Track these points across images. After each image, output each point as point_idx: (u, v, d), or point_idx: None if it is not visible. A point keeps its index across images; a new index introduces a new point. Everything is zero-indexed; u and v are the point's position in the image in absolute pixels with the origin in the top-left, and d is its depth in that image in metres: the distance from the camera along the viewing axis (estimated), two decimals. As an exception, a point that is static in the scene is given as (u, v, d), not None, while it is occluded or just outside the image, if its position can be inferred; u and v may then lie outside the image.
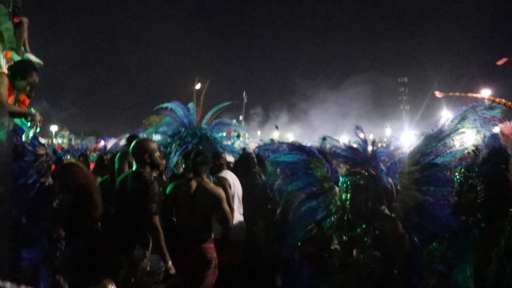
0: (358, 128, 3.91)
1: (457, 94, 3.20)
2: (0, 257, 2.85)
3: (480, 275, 2.11)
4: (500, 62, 3.50)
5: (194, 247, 4.33)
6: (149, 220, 3.84)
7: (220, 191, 4.50)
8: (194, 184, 4.47)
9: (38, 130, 4.20)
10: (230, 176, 5.30)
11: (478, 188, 2.34)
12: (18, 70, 4.20)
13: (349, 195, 3.10)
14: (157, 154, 4.14)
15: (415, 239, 3.18)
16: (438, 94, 3.29)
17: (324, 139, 5.71)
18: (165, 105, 6.92)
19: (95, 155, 9.94)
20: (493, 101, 2.90)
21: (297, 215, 3.82)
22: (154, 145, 4.17)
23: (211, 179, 4.96)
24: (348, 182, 3.11)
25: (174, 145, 6.48)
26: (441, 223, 3.22)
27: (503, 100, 2.99)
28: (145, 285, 2.86)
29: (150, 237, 3.86)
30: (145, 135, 7.57)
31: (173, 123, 6.75)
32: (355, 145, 3.77)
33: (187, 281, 4.29)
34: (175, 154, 6.35)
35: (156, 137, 7.34)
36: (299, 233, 3.75)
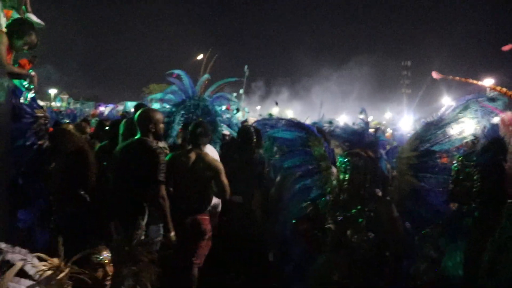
0: (362, 111, 3.89)
1: (456, 78, 3.16)
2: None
3: (470, 263, 2.14)
4: (506, 48, 3.47)
5: (189, 218, 4.38)
6: (157, 189, 3.87)
7: (219, 164, 4.53)
8: (193, 155, 4.49)
9: (34, 93, 4.17)
10: (210, 150, 5.29)
11: (475, 177, 2.35)
12: (15, 29, 4.13)
13: (347, 175, 3.10)
14: (161, 125, 4.16)
15: (408, 224, 3.21)
16: (435, 75, 3.26)
17: (330, 122, 5.70)
18: (174, 71, 6.89)
19: (93, 120, 9.89)
20: (493, 89, 2.88)
21: (291, 192, 3.84)
22: (159, 116, 4.18)
23: None
24: (348, 163, 3.10)
25: (177, 114, 6.47)
26: (435, 210, 3.25)
27: (504, 89, 2.97)
28: (138, 254, 2.91)
29: (147, 207, 3.88)
30: (149, 103, 7.55)
31: (178, 92, 6.71)
32: (356, 127, 3.76)
33: (181, 251, 4.36)
34: (177, 123, 6.35)
35: (158, 105, 7.36)
36: (293, 210, 3.78)
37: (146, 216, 3.30)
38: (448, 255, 2.27)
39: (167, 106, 6.93)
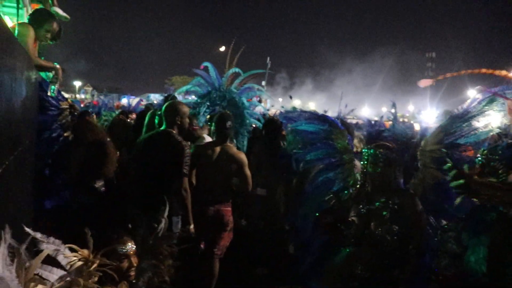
0: (394, 105, 3.85)
1: (448, 75, 3.05)
2: (24, 208, 2.94)
3: (493, 258, 2.11)
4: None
5: (212, 209, 4.43)
6: (181, 182, 3.91)
7: (243, 156, 4.57)
8: (218, 147, 4.52)
9: (54, 88, 4.24)
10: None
11: (500, 171, 2.30)
12: (35, 18, 4.23)
13: (379, 168, 3.06)
14: (187, 119, 4.19)
15: (431, 217, 3.17)
16: (423, 83, 3.17)
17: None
18: (202, 64, 6.93)
19: (117, 112, 10.03)
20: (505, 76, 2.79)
21: (313, 185, 3.84)
22: (186, 109, 4.21)
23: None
24: (379, 155, 3.06)
25: (202, 106, 6.51)
26: (458, 204, 3.21)
27: None
28: (160, 247, 2.95)
29: (171, 199, 3.91)
30: (176, 94, 7.62)
31: (204, 84, 6.78)
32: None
33: (203, 241, 4.42)
34: (203, 114, 6.39)
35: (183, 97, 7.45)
36: (315, 203, 3.78)
37: (167, 208, 3.34)
38: (471, 250, 2.23)
39: (193, 98, 7.01)
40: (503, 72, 2.66)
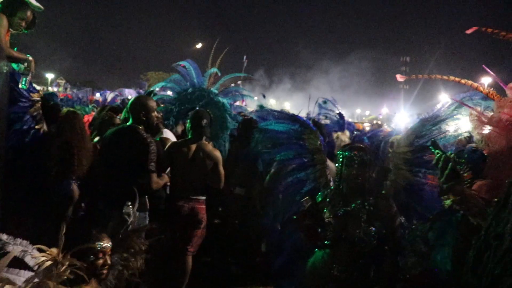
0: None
1: (420, 76, 3.13)
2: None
3: (457, 257, 2.18)
4: (469, 31, 3.47)
5: (187, 206, 4.42)
6: (149, 178, 3.86)
7: (218, 153, 4.57)
8: (193, 145, 4.51)
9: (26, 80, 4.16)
10: (170, 136, 5.30)
11: (465, 175, 2.37)
12: (8, 6, 4.11)
13: (353, 170, 3.07)
14: (154, 113, 4.09)
15: (402, 217, 3.24)
16: (399, 78, 3.26)
17: (325, 102, 5.67)
18: (180, 62, 6.80)
19: (90, 106, 9.85)
20: (476, 88, 2.88)
21: (283, 185, 3.85)
22: (152, 104, 4.11)
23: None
24: (354, 157, 3.08)
25: (178, 103, 6.43)
26: (428, 205, 3.30)
27: (490, 90, 2.95)
28: (130, 240, 2.93)
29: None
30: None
31: (182, 81, 6.66)
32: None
33: (177, 238, 4.40)
34: (178, 112, 6.31)
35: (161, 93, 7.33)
36: (284, 202, 3.80)
37: (137, 202, 3.32)
38: (437, 250, 2.31)
39: (169, 93, 6.87)
40: (469, 82, 2.74)
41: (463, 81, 2.73)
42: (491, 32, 2.65)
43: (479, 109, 2.69)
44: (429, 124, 3.43)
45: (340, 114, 4.90)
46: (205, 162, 4.46)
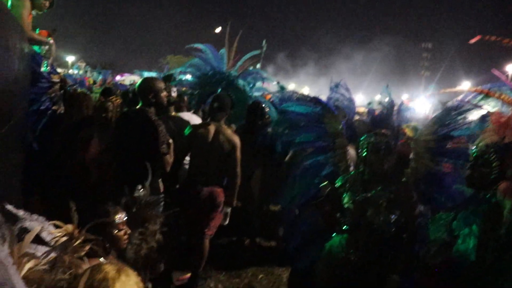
0: (385, 90, 3.81)
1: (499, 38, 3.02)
2: (13, 180, 2.92)
3: (482, 249, 2.13)
4: (473, 41, 3.36)
5: (206, 190, 4.43)
6: (162, 161, 3.85)
7: (237, 138, 4.54)
8: (212, 128, 4.50)
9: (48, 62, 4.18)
10: (188, 117, 5.26)
11: (493, 164, 2.31)
12: None
13: (379, 156, 3.05)
14: (163, 94, 4.00)
15: (422, 206, 3.20)
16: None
17: (336, 86, 5.59)
18: (195, 45, 6.72)
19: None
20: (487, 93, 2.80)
21: (302, 168, 3.82)
22: (160, 85, 4.00)
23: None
24: (380, 143, 3.05)
25: (199, 87, 6.43)
26: (449, 194, 3.25)
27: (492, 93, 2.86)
28: (144, 214, 2.97)
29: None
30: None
31: (202, 65, 6.63)
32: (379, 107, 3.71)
33: (195, 221, 4.42)
34: (198, 96, 6.31)
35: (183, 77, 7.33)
36: (302, 186, 3.77)
37: (150, 178, 3.32)
38: (462, 240, 2.26)
39: (187, 77, 6.88)
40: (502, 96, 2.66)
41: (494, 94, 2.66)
42: (495, 39, 2.58)
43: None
44: (454, 113, 3.36)
45: (350, 99, 4.82)
46: (223, 146, 4.45)
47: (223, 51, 6.76)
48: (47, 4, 4.25)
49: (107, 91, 5.47)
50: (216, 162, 4.47)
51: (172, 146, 3.98)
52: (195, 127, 4.65)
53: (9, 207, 1.93)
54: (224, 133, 4.49)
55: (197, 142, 4.46)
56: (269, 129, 5.51)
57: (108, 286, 1.66)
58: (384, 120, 3.69)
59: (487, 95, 3.06)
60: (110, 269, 1.72)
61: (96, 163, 3.85)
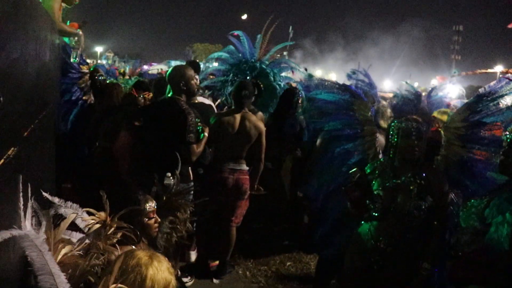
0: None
1: None
2: (48, 169, 3.00)
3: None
4: (511, 25, 3.21)
5: (232, 178, 4.46)
6: (188, 150, 3.88)
7: (262, 125, 4.56)
8: (238, 115, 4.52)
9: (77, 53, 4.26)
10: (208, 102, 5.33)
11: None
12: None
13: (410, 141, 3.01)
14: (193, 81, 4.04)
15: (453, 194, 3.15)
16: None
17: (353, 73, 5.54)
18: (234, 32, 6.83)
19: (133, 79, 10.02)
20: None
21: (329, 155, 3.80)
22: (191, 72, 4.04)
23: None
24: (412, 129, 3.01)
25: (232, 74, 6.48)
26: (481, 182, 3.18)
27: None
28: (174, 202, 3.02)
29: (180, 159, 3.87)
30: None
31: (235, 52, 6.71)
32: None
33: (222, 208, 4.47)
34: (231, 83, 6.37)
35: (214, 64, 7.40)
36: (329, 173, 3.75)
37: (179, 167, 3.37)
38: (495, 228, 2.21)
39: (215, 64, 6.94)
40: None
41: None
42: None
43: None
44: (486, 100, 3.27)
45: (370, 84, 4.73)
46: (250, 132, 4.46)
47: (258, 38, 6.78)
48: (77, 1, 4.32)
49: (141, 84, 5.48)
50: (243, 149, 4.50)
51: (205, 138, 4.04)
52: (220, 114, 4.67)
53: (45, 194, 2.00)
54: (250, 120, 4.50)
55: (224, 130, 4.48)
56: (300, 117, 5.48)
57: (142, 271, 1.70)
58: (407, 108, 3.62)
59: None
60: (142, 255, 1.76)
61: (125, 154, 3.89)
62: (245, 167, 4.55)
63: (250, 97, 4.65)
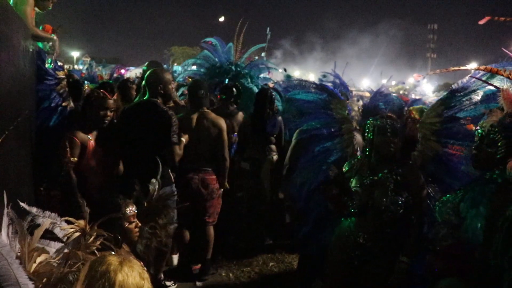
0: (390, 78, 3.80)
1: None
2: (24, 177, 2.96)
3: (491, 230, 2.13)
4: (482, 21, 3.31)
5: (197, 178, 4.46)
6: (172, 151, 3.88)
7: (222, 121, 4.55)
8: (195, 115, 4.51)
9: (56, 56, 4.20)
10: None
11: (499, 144, 2.29)
12: None
13: (386, 138, 3.05)
14: (170, 86, 4.06)
15: (430, 189, 3.21)
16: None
17: (324, 76, 5.67)
18: (207, 39, 7.07)
19: (110, 82, 9.92)
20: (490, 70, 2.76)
21: (309, 154, 3.83)
22: (169, 77, 4.08)
23: None
24: (387, 126, 3.05)
25: (208, 77, 6.61)
26: (457, 176, 3.25)
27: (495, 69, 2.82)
28: (155, 208, 3.00)
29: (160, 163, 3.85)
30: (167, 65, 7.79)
31: (211, 56, 6.88)
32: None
33: (192, 210, 4.39)
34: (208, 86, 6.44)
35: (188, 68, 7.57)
36: (310, 172, 3.79)
37: (160, 172, 3.35)
38: (469, 221, 2.26)
39: (193, 68, 7.06)
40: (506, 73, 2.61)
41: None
42: (504, 20, 2.53)
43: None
44: (459, 95, 3.36)
45: (342, 84, 4.83)
46: (210, 130, 4.46)
47: (231, 44, 6.98)
48: (50, 5, 4.26)
49: (105, 86, 5.38)
50: (205, 148, 4.49)
51: (185, 139, 4.04)
52: (179, 118, 4.65)
53: (22, 204, 1.97)
54: (207, 118, 4.50)
55: (183, 131, 4.40)
56: (279, 118, 5.51)
57: (110, 277, 1.64)
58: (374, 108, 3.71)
59: (493, 74, 3.03)
60: (112, 260, 1.70)
61: (97, 168, 3.79)
62: (209, 167, 4.53)
63: (207, 96, 4.65)
